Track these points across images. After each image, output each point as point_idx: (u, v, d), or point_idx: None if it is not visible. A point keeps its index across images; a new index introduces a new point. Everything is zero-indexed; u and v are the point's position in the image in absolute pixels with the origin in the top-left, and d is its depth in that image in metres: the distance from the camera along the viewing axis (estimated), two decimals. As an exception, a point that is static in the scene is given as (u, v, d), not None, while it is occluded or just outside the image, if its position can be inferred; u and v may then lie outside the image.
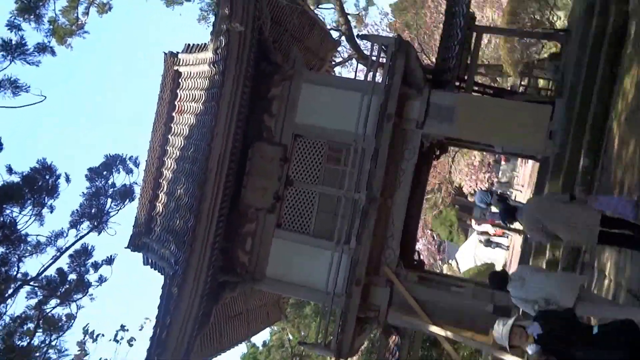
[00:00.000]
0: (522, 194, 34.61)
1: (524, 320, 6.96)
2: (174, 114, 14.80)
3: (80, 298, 14.39)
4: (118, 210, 15.78)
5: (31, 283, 14.01)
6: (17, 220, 13.76)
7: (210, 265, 12.16)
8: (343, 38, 28.04)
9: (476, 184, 33.34)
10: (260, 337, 35.66)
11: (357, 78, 15.79)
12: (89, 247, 14.60)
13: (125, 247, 15.25)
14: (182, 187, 13.20)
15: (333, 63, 24.38)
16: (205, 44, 13.21)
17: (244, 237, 13.14)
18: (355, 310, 12.41)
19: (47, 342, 13.98)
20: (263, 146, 13.10)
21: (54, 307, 14.25)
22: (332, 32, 22.98)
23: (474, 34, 16.37)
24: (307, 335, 31.52)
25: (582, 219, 8.39)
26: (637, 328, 5.97)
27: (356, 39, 27.94)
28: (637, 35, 10.90)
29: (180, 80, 14.68)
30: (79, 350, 13.85)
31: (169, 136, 14.85)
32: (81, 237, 14.84)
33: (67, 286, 14.25)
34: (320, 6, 29.01)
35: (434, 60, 20.22)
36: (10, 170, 13.68)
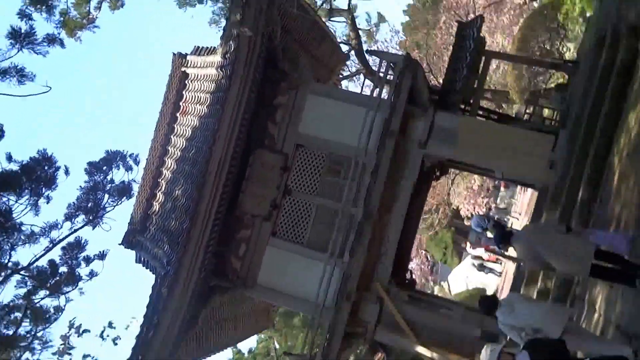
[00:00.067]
0: (518, 221, 34.60)
1: (512, 348, 6.93)
2: (178, 114, 14.82)
3: (70, 291, 14.40)
4: (114, 206, 15.82)
5: (22, 272, 14.00)
6: (12, 209, 13.77)
7: (202, 268, 12.13)
8: (352, 52, 28.16)
9: (474, 208, 33.35)
10: (247, 344, 35.52)
11: (363, 93, 15.81)
12: (83, 241, 14.62)
13: (119, 244, 15.25)
14: (181, 188, 13.19)
15: (341, 76, 24.47)
16: (214, 47, 13.26)
17: (238, 242, 13.11)
18: (343, 324, 12.37)
19: (33, 332, 13.95)
20: (264, 153, 13.10)
21: (42, 298, 14.25)
22: (342, 45, 23.04)
23: (483, 59, 16.39)
24: (293, 345, 31.41)
25: (576, 249, 8.38)
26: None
27: (365, 54, 28.07)
28: (646, 72, 10.93)
29: (186, 81, 14.73)
30: (62, 344, 13.82)
31: (171, 136, 14.87)
32: (75, 230, 14.87)
33: (58, 278, 14.25)
34: (332, 18, 29.11)
35: (441, 81, 20.25)
36: (10, 158, 13.70)
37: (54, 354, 14.37)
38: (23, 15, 12.77)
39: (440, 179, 20.43)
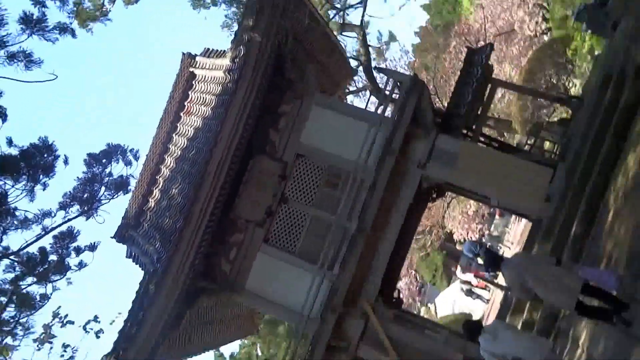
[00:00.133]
0: (510, 250, 34.60)
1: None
2: (182, 113, 14.88)
3: (58, 280, 14.32)
4: (110, 199, 15.78)
5: (11, 257, 13.95)
6: (8, 193, 13.74)
7: (191, 268, 12.14)
8: (360, 68, 28.31)
9: (467, 233, 33.42)
10: (229, 348, 35.41)
11: (367, 109, 15.87)
12: (75, 231, 14.56)
13: (111, 237, 15.24)
14: (178, 186, 13.22)
15: (347, 90, 24.56)
16: (224, 50, 13.33)
17: (230, 246, 13.14)
18: (327, 336, 12.37)
19: (16, 318, 13.89)
20: (264, 160, 13.15)
21: (29, 285, 14.17)
22: (351, 60, 23.16)
23: (489, 86, 16.48)
24: (276, 354, 31.30)
25: (564, 282, 8.42)
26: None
27: (373, 71, 28.20)
28: (648, 114, 11.01)
29: (193, 82, 14.79)
30: (43, 333, 13.76)
31: (174, 135, 14.91)
32: (69, 220, 14.83)
33: (47, 266, 14.19)
34: (343, 33, 29.31)
35: (446, 104, 20.35)
36: (10, 142, 13.68)
37: (34, 340, 14.32)
38: (37, 2, 12.79)
39: (436, 201, 20.50)
